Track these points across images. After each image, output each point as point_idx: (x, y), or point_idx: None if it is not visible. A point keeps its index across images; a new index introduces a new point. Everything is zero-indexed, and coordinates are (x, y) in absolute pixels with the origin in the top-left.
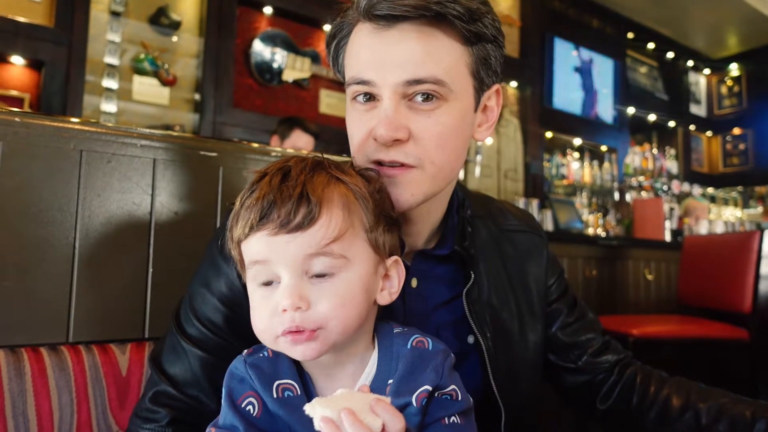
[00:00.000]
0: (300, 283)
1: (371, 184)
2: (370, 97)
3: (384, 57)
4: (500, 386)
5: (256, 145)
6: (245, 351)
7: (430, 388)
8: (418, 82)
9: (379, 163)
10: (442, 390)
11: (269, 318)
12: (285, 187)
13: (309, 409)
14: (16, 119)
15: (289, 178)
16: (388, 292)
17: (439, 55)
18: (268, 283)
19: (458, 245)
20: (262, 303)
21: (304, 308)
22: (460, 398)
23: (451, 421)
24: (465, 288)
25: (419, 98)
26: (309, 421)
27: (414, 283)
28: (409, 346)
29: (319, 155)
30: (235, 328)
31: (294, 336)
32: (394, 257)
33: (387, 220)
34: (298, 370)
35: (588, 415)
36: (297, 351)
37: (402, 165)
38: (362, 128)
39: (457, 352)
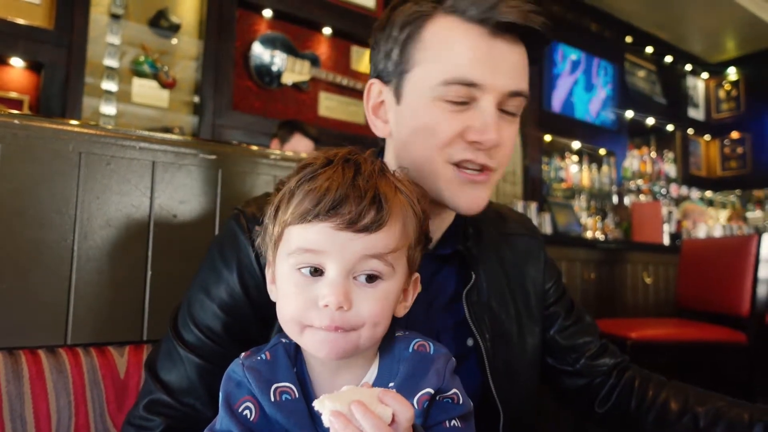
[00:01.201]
0: (346, 282)
1: (424, 199)
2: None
3: (497, 63)
4: (499, 388)
5: (255, 147)
6: (243, 354)
7: (431, 391)
8: (517, 94)
9: (460, 164)
10: (443, 393)
11: (304, 308)
12: (357, 185)
13: (318, 405)
14: (15, 121)
15: (360, 175)
16: (404, 306)
17: (527, 70)
18: (312, 272)
19: (461, 245)
20: (298, 290)
21: (346, 308)
22: (461, 402)
23: (452, 424)
24: (465, 289)
25: (507, 108)
26: (307, 424)
27: None
28: (410, 350)
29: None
30: (233, 335)
31: (329, 334)
32: (416, 274)
33: (425, 238)
34: (296, 372)
35: (586, 417)
36: (323, 348)
37: (486, 169)
38: (453, 127)
39: (457, 355)
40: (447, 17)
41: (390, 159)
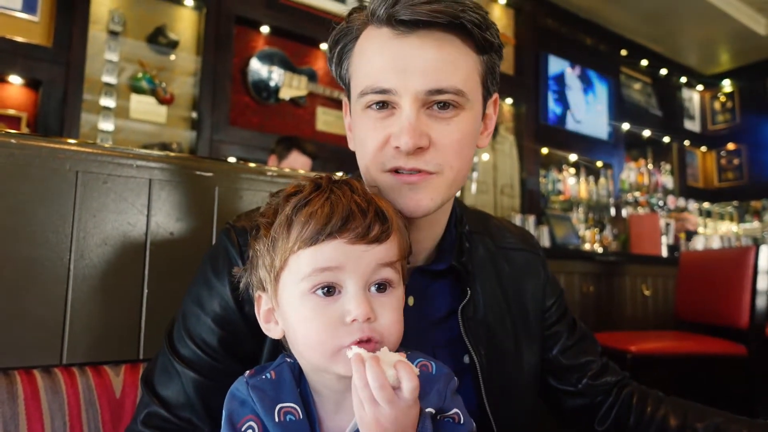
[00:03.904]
0: (366, 294)
1: (402, 217)
2: (384, 105)
3: (405, 64)
4: (493, 405)
5: (252, 165)
6: (247, 372)
7: (432, 411)
8: (439, 91)
9: (396, 170)
10: (444, 413)
11: (332, 328)
12: (358, 202)
13: (349, 351)
14: (12, 140)
15: (356, 194)
16: None
17: (457, 63)
18: (326, 293)
19: (456, 261)
20: (317, 313)
21: (373, 319)
22: (462, 422)
23: None
24: (461, 305)
25: (437, 106)
26: None
27: (411, 301)
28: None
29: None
30: (229, 349)
31: (364, 345)
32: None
33: (409, 251)
34: (300, 393)
35: None
36: None
37: (420, 172)
38: (378, 136)
39: (453, 372)
40: (369, 28)
41: (357, 173)
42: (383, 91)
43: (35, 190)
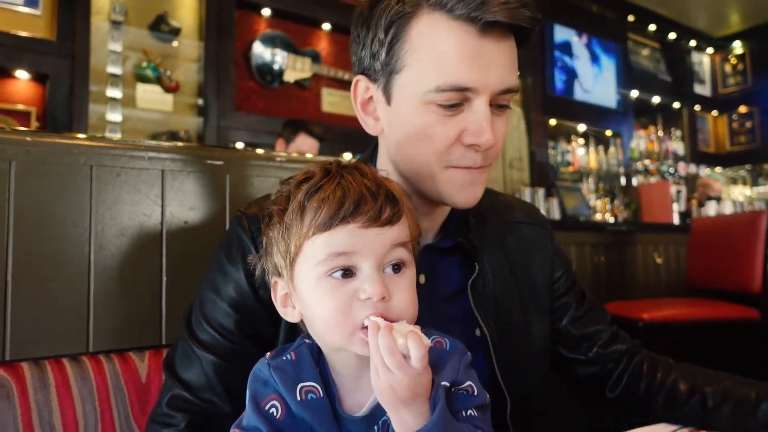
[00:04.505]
0: (381, 275)
1: (409, 198)
2: (459, 102)
3: (486, 63)
4: (505, 376)
5: (260, 151)
6: (268, 354)
7: (447, 384)
8: (509, 91)
9: (464, 166)
10: (458, 386)
11: (345, 303)
12: (369, 186)
13: (367, 320)
14: (27, 138)
15: (366, 178)
16: None
17: (516, 62)
18: (344, 275)
19: (462, 237)
20: (332, 294)
21: (387, 299)
22: (476, 393)
23: (468, 413)
24: (470, 280)
25: (500, 103)
26: (331, 423)
27: (422, 279)
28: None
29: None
30: (245, 331)
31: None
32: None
33: (419, 232)
34: (320, 372)
35: (598, 403)
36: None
37: (481, 167)
38: (448, 132)
39: (466, 346)
40: (432, 14)
41: (383, 157)
42: (464, 89)
43: (53, 186)
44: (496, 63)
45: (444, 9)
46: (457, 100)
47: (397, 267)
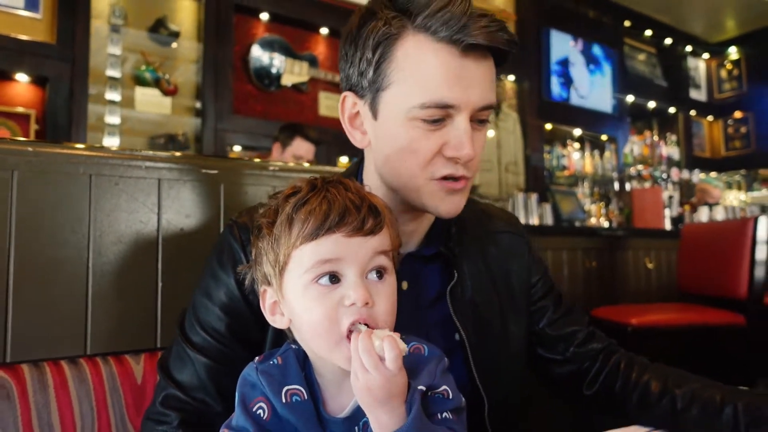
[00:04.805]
0: (364, 282)
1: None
2: (440, 118)
3: (468, 82)
4: (483, 378)
5: (255, 160)
6: (257, 358)
7: (423, 387)
8: (488, 107)
9: (445, 178)
10: (434, 390)
11: (331, 308)
12: (352, 199)
13: (353, 326)
14: (29, 149)
15: (350, 192)
16: None
17: (494, 80)
18: (330, 280)
19: (443, 245)
20: (319, 301)
21: (371, 305)
22: (451, 397)
23: (443, 416)
24: (449, 287)
25: (479, 119)
26: (314, 424)
27: (405, 285)
28: (407, 353)
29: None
30: (236, 334)
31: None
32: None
33: (399, 242)
34: (305, 376)
35: (575, 401)
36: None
37: (462, 179)
38: (430, 145)
39: (446, 349)
40: (417, 36)
41: (370, 169)
42: (446, 106)
43: (53, 194)
44: (476, 82)
45: (428, 31)
46: (440, 115)
47: (380, 273)
